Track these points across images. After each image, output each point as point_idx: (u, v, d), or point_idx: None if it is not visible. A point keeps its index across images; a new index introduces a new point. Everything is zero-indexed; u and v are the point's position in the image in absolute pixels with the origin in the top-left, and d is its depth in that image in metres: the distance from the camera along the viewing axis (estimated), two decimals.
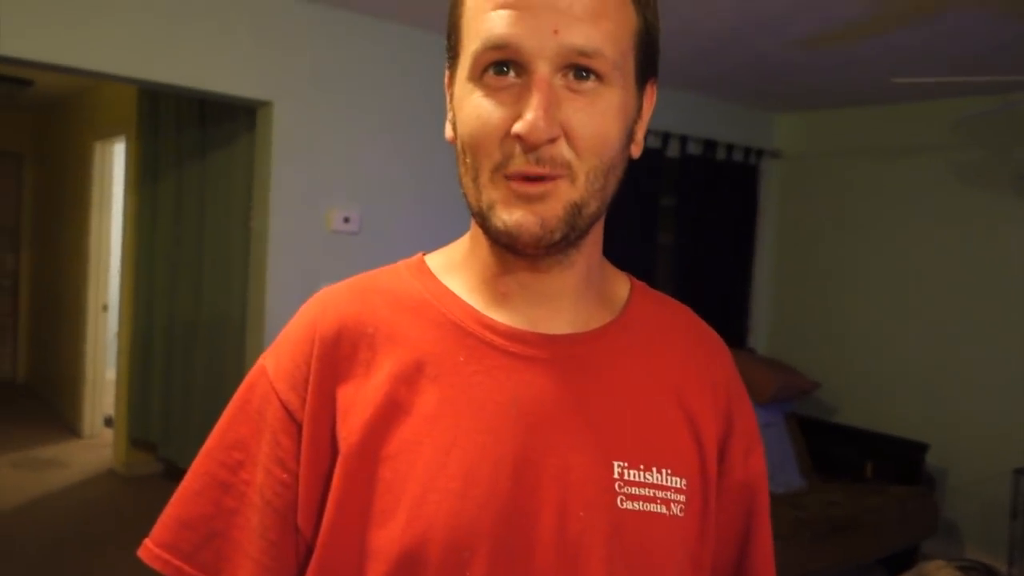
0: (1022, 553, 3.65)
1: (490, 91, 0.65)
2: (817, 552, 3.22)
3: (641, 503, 0.68)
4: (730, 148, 4.49)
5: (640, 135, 0.72)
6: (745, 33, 3.19)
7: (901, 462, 3.87)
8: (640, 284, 0.81)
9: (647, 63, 0.70)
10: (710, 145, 4.39)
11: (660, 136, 4.15)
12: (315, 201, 3.16)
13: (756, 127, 4.70)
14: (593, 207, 0.67)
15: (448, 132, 0.72)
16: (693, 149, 4.35)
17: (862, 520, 3.43)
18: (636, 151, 0.72)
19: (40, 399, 6.28)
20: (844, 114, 4.50)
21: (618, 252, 0.91)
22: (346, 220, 3.21)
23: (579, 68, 0.64)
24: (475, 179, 0.67)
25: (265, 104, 3.09)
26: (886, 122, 4.31)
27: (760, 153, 4.65)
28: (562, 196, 0.65)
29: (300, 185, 3.13)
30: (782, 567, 0.86)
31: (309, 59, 3.12)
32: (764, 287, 4.84)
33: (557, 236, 0.65)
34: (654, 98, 0.74)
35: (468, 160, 0.67)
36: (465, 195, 0.69)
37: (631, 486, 0.68)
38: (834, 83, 3.94)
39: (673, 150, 4.26)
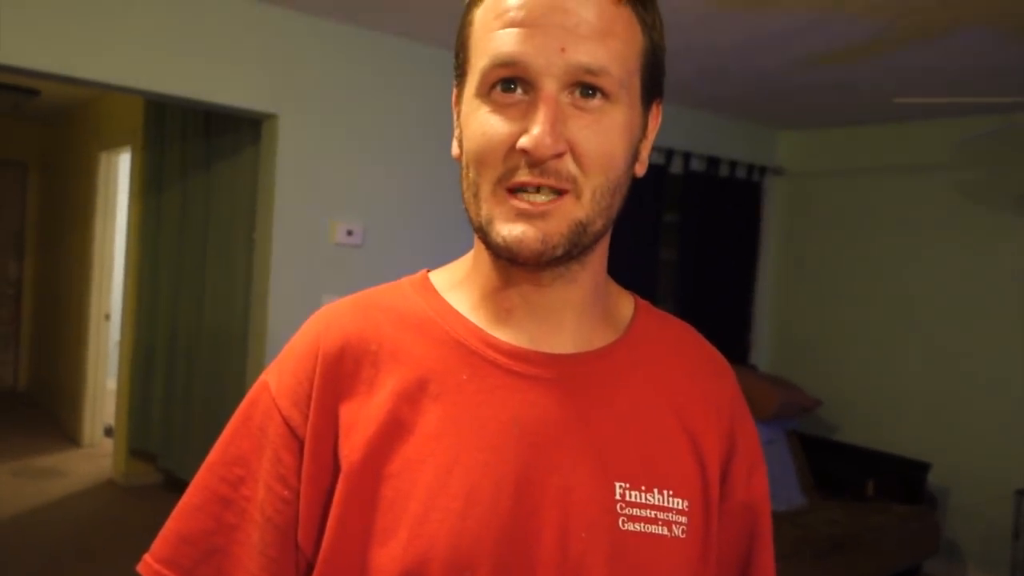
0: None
1: (497, 107, 0.65)
2: (818, 571, 3.21)
3: (642, 524, 0.67)
4: (733, 165, 4.49)
5: (645, 154, 0.73)
6: (749, 52, 3.20)
7: (903, 481, 3.86)
8: (644, 303, 0.81)
9: (653, 83, 0.71)
10: (713, 162, 4.40)
11: (664, 152, 4.16)
12: (318, 213, 3.17)
13: (759, 144, 4.71)
14: (599, 225, 0.67)
15: (454, 149, 0.72)
16: (697, 166, 4.36)
17: (863, 539, 3.41)
18: (640, 170, 0.73)
19: (40, 407, 6.27)
20: (847, 132, 4.50)
21: (621, 268, 0.91)
22: (349, 233, 3.21)
23: (585, 86, 0.64)
24: (476, 194, 0.67)
25: (270, 116, 3.10)
26: (889, 141, 4.32)
27: (763, 170, 4.66)
28: (567, 214, 0.65)
29: (304, 197, 3.14)
30: None
31: (314, 73, 3.13)
32: (766, 304, 4.83)
33: (559, 252, 0.66)
34: (659, 118, 0.74)
35: (471, 175, 0.67)
36: (467, 211, 0.69)
37: (632, 507, 0.68)
38: (837, 102, 3.95)
39: (677, 166, 4.26)
